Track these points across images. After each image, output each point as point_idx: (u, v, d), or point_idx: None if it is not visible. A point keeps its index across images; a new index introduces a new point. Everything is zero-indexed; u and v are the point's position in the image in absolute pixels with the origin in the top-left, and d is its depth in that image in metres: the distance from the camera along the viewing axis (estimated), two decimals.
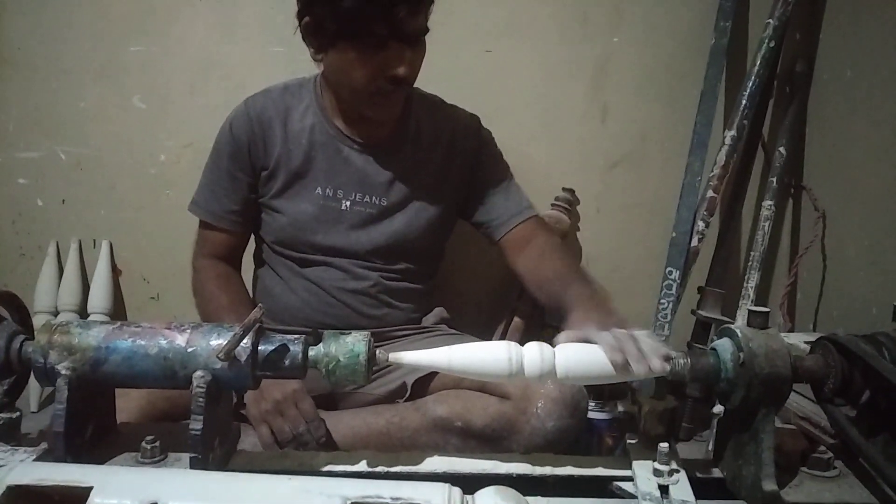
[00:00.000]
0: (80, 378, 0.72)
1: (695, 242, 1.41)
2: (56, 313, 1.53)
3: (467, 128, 1.19)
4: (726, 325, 0.76)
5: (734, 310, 1.44)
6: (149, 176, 1.57)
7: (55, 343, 0.73)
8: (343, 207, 1.14)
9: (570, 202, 1.49)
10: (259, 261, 1.26)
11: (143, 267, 1.62)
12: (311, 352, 0.74)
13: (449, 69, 1.47)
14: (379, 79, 1.00)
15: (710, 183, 1.42)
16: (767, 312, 0.74)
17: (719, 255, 1.47)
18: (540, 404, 0.97)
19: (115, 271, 1.61)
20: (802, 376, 0.72)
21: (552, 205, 1.49)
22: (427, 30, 1.02)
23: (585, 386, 1.01)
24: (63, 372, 0.72)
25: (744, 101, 1.41)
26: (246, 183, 1.15)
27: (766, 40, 1.40)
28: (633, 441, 0.80)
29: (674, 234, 1.42)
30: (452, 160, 1.17)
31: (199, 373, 0.71)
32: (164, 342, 0.73)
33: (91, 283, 1.57)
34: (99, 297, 1.55)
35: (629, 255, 1.60)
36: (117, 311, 1.59)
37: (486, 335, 1.31)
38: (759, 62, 1.40)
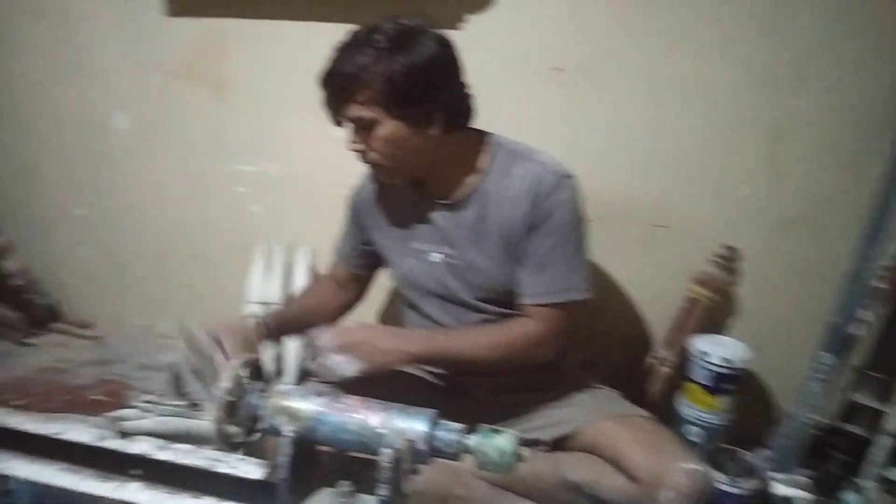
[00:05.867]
0: (299, 438, 0.95)
1: (856, 330, 1.35)
2: (263, 305, 1.85)
3: (540, 184, 1.15)
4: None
5: (890, 394, 1.40)
6: (341, 195, 1.79)
7: (282, 408, 0.95)
8: (435, 259, 1.26)
9: (730, 259, 1.51)
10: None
11: None
12: (469, 441, 0.91)
13: (616, 118, 1.53)
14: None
15: (882, 272, 1.32)
16: None
17: (886, 338, 1.40)
18: (667, 495, 1.04)
19: (314, 273, 1.88)
20: None
21: (711, 261, 1.52)
22: (372, 119, 1.10)
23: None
24: (287, 434, 0.94)
25: None
26: (365, 240, 1.37)
27: None
28: None
29: (833, 320, 1.37)
30: (518, 214, 1.17)
31: (386, 450, 0.91)
32: (361, 420, 0.93)
33: (292, 281, 1.86)
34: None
35: (787, 317, 1.58)
36: None
37: (626, 387, 1.39)
38: None
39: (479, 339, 1.19)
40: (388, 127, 1.11)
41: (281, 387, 0.98)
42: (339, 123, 1.16)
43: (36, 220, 2.12)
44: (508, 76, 1.58)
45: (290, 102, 1.77)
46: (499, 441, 0.88)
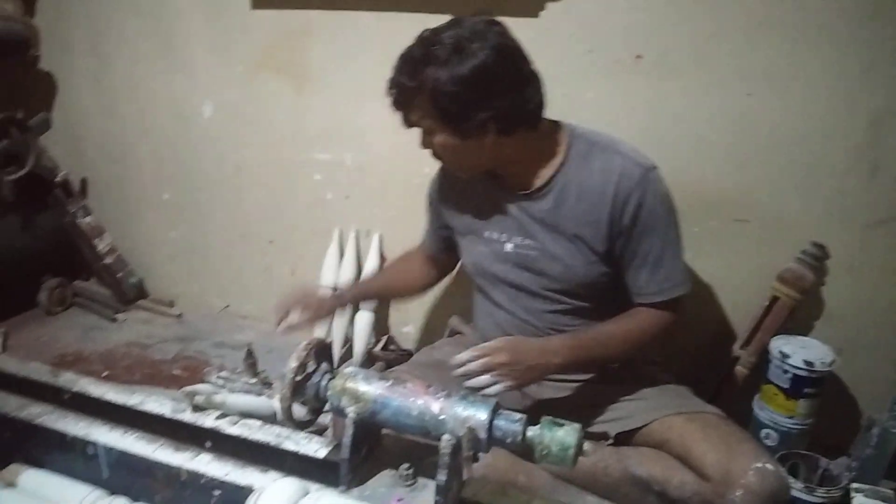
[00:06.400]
0: (361, 420, 0.96)
1: None
2: (336, 287, 1.89)
3: (623, 178, 1.13)
4: None
5: None
6: (413, 184, 1.80)
7: (346, 389, 0.97)
8: (507, 249, 1.25)
9: (817, 258, 1.43)
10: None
11: None
12: (530, 432, 0.89)
13: (699, 108, 1.47)
14: None
15: None
16: None
17: None
18: (738, 493, 1.01)
19: (383, 260, 1.91)
20: None
21: (797, 258, 1.44)
22: (428, 128, 1.14)
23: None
24: (350, 414, 0.96)
25: None
26: (444, 226, 1.41)
27: None
28: None
29: None
30: (602, 209, 1.15)
31: (446, 436, 0.90)
32: (423, 405, 0.93)
33: (364, 267, 1.90)
34: None
35: (875, 320, 1.49)
36: None
37: (700, 386, 1.35)
38: None
39: (615, 339, 1.19)
40: (443, 137, 1.14)
41: (346, 369, 1.00)
42: (406, 125, 1.20)
43: (127, 202, 2.24)
44: (587, 64, 1.55)
45: (367, 92, 1.78)
46: (560, 434, 0.86)
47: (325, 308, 1.39)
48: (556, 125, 1.21)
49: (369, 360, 1.88)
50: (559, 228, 1.20)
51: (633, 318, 1.21)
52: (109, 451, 1.08)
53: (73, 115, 2.19)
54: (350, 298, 1.56)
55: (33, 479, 1.06)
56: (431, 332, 1.91)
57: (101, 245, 2.17)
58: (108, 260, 2.18)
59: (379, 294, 1.64)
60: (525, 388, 1.30)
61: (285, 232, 2.04)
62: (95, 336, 2.02)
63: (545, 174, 1.19)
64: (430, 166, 1.76)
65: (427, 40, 1.11)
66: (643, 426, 1.18)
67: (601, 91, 1.55)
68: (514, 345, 1.12)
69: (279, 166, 1.97)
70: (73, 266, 2.25)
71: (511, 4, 1.49)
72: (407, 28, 1.68)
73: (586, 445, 0.86)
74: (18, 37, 2.03)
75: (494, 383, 1.08)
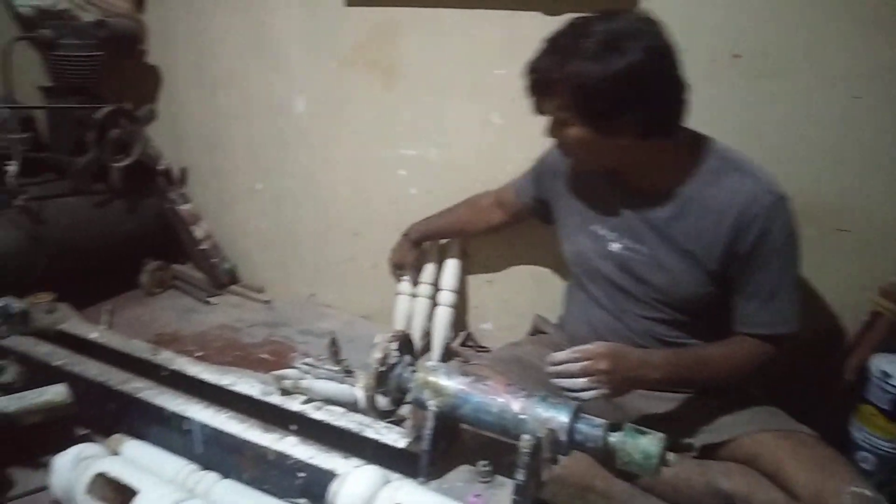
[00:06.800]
0: (442, 414, 0.98)
1: None
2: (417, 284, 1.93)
3: (752, 202, 1.09)
4: None
5: None
6: (496, 181, 1.80)
7: (428, 383, 0.99)
8: (612, 249, 1.23)
9: None
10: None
11: (484, 254, 1.90)
12: (612, 439, 0.88)
13: (799, 110, 1.41)
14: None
15: None
16: None
17: None
18: None
19: (463, 255, 1.92)
20: None
21: None
22: (564, 120, 1.11)
23: None
24: (432, 407, 0.98)
25: None
26: (541, 198, 1.44)
27: None
28: None
29: None
30: (722, 229, 1.12)
31: (526, 436, 0.91)
32: (503, 403, 0.94)
33: (445, 262, 1.92)
34: (449, 277, 1.88)
35: None
36: (461, 290, 1.92)
37: (792, 404, 1.29)
38: None
39: (715, 365, 1.16)
40: (578, 131, 1.11)
41: (429, 363, 1.02)
42: (537, 112, 1.18)
43: (222, 192, 2.35)
44: (683, 62, 1.50)
45: (454, 90, 1.80)
46: (644, 442, 0.85)
47: (408, 254, 1.52)
48: (692, 135, 1.18)
49: (447, 355, 1.90)
50: (672, 239, 1.17)
51: (736, 347, 1.17)
52: (203, 427, 1.14)
53: (175, 108, 2.32)
54: (417, 237, 1.71)
55: (134, 449, 1.14)
56: (510, 329, 1.91)
57: (199, 231, 2.29)
58: (204, 246, 2.29)
59: (446, 232, 1.77)
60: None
61: (369, 225, 2.08)
62: (190, 317, 2.13)
63: (670, 182, 1.16)
64: (513, 164, 1.78)
65: (577, 31, 1.07)
66: (731, 440, 1.14)
67: (696, 91, 1.49)
68: (616, 352, 1.09)
69: (366, 160, 2.01)
70: (172, 250, 2.37)
71: (601, 3, 1.47)
72: (494, 25, 1.71)
73: (670, 456, 0.85)
74: (130, 33, 2.16)
75: (589, 389, 1.06)
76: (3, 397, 1.22)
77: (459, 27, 1.73)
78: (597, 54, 1.03)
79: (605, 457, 0.89)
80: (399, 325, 1.89)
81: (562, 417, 0.89)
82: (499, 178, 1.80)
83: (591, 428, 0.89)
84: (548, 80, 1.09)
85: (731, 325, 1.18)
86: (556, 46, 1.09)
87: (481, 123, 1.79)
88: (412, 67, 1.85)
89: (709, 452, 1.16)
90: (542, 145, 1.68)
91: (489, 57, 1.72)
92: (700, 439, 1.17)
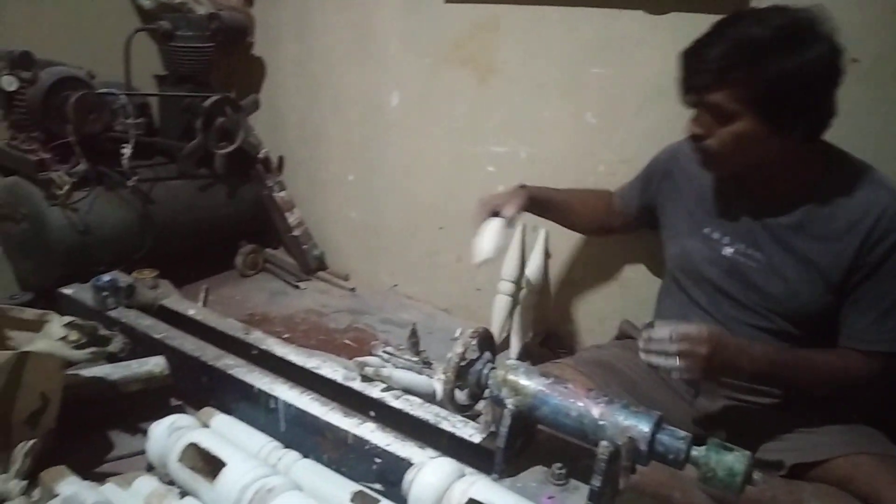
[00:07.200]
0: (519, 412, 0.97)
1: None
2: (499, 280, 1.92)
3: (887, 215, 1.06)
4: None
5: None
6: (586, 182, 1.77)
7: (507, 381, 0.98)
8: (725, 253, 1.19)
9: None
10: (665, 272, 1.40)
11: (569, 255, 1.88)
12: (695, 452, 0.85)
13: None
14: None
15: None
16: None
17: None
18: None
19: (547, 255, 1.91)
20: None
21: None
22: (733, 113, 1.04)
23: None
24: (510, 406, 0.97)
25: None
26: (650, 201, 1.39)
27: None
28: None
29: None
30: (852, 240, 1.08)
31: (604, 443, 0.89)
32: (582, 408, 0.92)
33: (528, 261, 1.91)
34: (532, 275, 1.87)
35: None
36: (544, 289, 1.91)
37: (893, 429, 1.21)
38: None
39: (816, 370, 1.12)
40: (747, 125, 1.05)
41: (509, 361, 1.02)
42: (688, 103, 1.12)
43: (315, 181, 2.43)
44: None
45: (548, 88, 1.79)
46: (729, 459, 0.82)
47: (518, 196, 1.34)
48: (825, 143, 1.13)
49: (526, 354, 1.89)
50: (793, 247, 1.13)
51: (840, 358, 1.12)
52: (288, 407, 1.18)
53: (277, 98, 2.41)
54: (535, 192, 1.41)
55: (223, 423, 1.19)
56: (590, 332, 1.89)
57: (292, 218, 2.38)
58: (296, 232, 2.38)
59: (557, 208, 1.50)
60: (697, 404, 1.24)
61: (455, 220, 2.10)
62: (280, 300, 2.21)
63: (798, 190, 1.12)
64: (605, 165, 1.75)
65: (753, 21, 1.02)
66: (825, 460, 1.09)
67: None
68: (718, 340, 1.05)
69: (455, 156, 2.03)
70: (266, 235, 2.48)
71: (706, 3, 1.42)
72: (594, 23, 1.68)
73: (756, 475, 0.81)
74: (240, 25, 2.27)
75: (680, 368, 1.03)
76: (108, 365, 1.31)
77: (559, 24, 1.72)
78: (787, 45, 0.99)
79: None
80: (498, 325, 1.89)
81: (643, 427, 0.87)
82: (589, 179, 1.77)
83: (674, 440, 0.86)
84: (726, 69, 1.02)
85: (839, 339, 1.13)
86: (735, 37, 1.02)
87: (574, 122, 1.76)
88: (508, 64, 1.85)
89: (799, 472, 1.11)
90: (636, 147, 1.65)
91: (587, 55, 1.70)
92: (791, 457, 1.12)
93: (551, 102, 1.79)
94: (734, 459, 0.81)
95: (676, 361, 1.03)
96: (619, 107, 1.69)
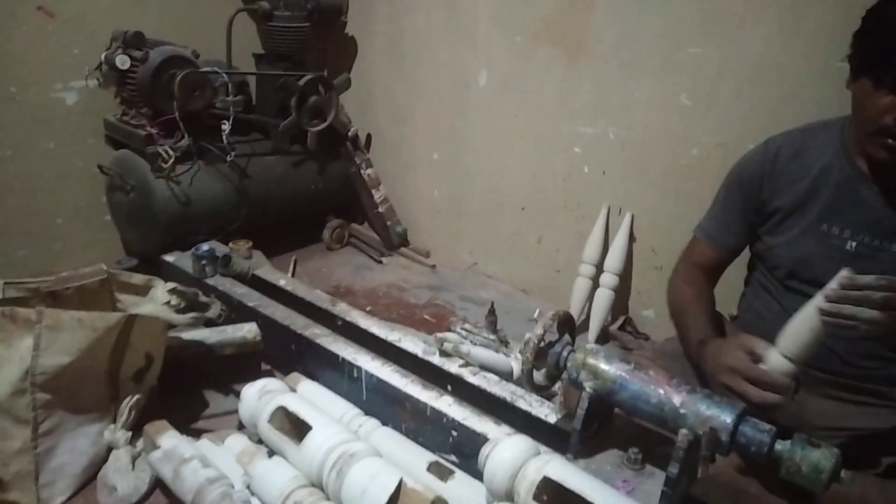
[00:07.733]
0: (597, 396, 0.97)
1: None
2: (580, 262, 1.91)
3: None
4: None
5: None
6: (678, 165, 1.73)
7: (587, 364, 0.98)
8: (847, 247, 1.11)
9: None
10: (750, 280, 1.32)
11: (654, 240, 1.84)
12: (779, 446, 0.83)
13: None
14: (878, 121, 0.99)
15: None
16: None
17: None
18: None
19: (632, 239, 1.87)
20: None
21: None
22: None
23: None
24: (587, 389, 0.98)
25: None
26: (752, 215, 1.22)
27: None
28: None
29: None
30: None
31: (684, 431, 0.88)
32: (663, 395, 0.91)
33: (610, 245, 1.88)
34: (614, 259, 1.84)
35: None
36: (626, 273, 1.88)
37: None
38: None
39: None
40: None
41: (589, 345, 1.02)
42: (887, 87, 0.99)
43: (402, 159, 2.47)
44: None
45: (642, 67, 1.74)
46: (816, 455, 0.79)
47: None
48: None
49: (603, 338, 1.88)
50: None
51: None
52: (370, 377, 1.23)
53: (367, 77, 2.46)
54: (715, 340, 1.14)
55: (309, 389, 1.25)
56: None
57: (377, 195, 2.43)
58: (381, 209, 2.43)
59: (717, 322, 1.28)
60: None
61: (537, 201, 2.09)
62: (363, 274, 2.28)
63: None
64: (699, 148, 1.69)
65: None
66: None
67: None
68: None
69: (541, 136, 2.01)
70: (352, 210, 2.55)
71: None
72: (693, 1, 1.61)
73: (843, 473, 0.78)
74: (334, 6, 2.32)
75: (880, 322, 0.89)
76: (205, 329, 1.40)
77: (654, 4, 1.67)
78: None
79: (769, 464, 0.84)
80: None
81: (725, 417, 0.85)
82: (681, 162, 1.72)
83: (757, 432, 0.84)
84: None
85: None
86: None
87: (668, 104, 1.71)
88: (600, 43, 1.81)
89: (894, 472, 1.05)
90: (733, 131, 1.59)
91: (685, 34, 1.64)
92: (889, 457, 1.06)
93: (644, 82, 1.75)
94: (821, 456, 0.79)
95: (874, 314, 0.90)
96: (717, 89, 1.62)
